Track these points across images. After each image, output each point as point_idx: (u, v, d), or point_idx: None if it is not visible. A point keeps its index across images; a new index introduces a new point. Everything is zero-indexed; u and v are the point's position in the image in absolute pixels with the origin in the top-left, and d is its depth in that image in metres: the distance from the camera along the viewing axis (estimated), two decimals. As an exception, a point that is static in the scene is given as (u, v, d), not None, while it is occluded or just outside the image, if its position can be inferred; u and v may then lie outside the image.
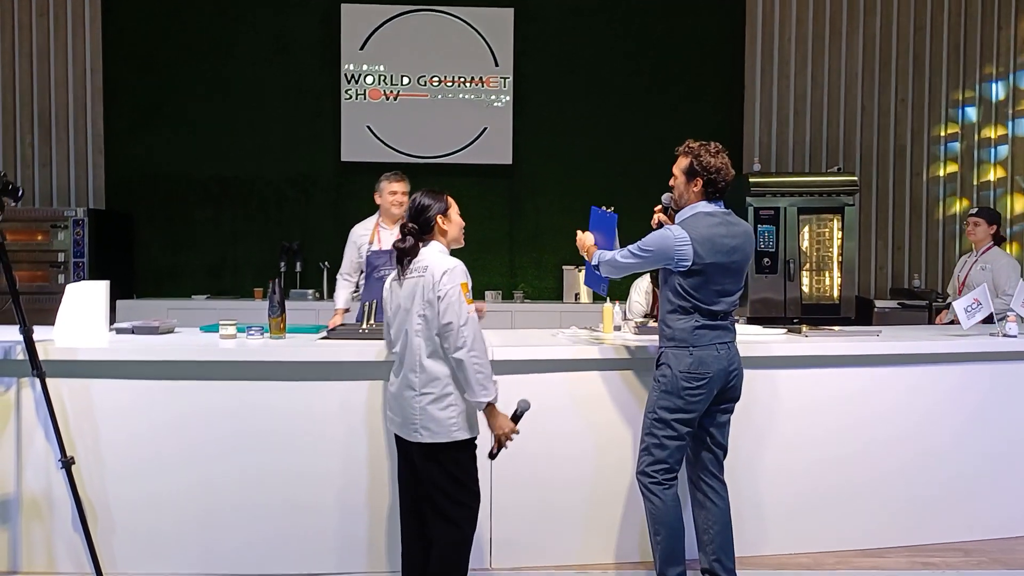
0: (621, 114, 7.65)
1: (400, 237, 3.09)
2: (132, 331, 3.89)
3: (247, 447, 3.51)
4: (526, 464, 3.63)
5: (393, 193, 4.75)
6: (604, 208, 3.70)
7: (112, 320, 3.94)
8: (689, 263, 3.16)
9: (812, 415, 3.85)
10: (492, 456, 3.07)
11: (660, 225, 3.52)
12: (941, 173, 7.80)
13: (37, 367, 3.29)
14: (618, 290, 5.84)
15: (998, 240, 5.37)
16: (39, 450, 3.46)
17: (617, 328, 4.27)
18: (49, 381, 3.33)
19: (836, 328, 4.55)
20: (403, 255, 3.09)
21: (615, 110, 7.65)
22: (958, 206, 7.81)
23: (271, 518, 3.53)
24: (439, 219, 3.10)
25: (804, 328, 4.38)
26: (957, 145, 7.78)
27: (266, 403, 3.50)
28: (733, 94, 7.75)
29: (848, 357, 3.88)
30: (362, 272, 4.79)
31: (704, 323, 3.21)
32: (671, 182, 3.40)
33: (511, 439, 3.03)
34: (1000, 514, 4.06)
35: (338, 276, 4.99)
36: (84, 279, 6.46)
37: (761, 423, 3.79)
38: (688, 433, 3.25)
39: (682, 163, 3.33)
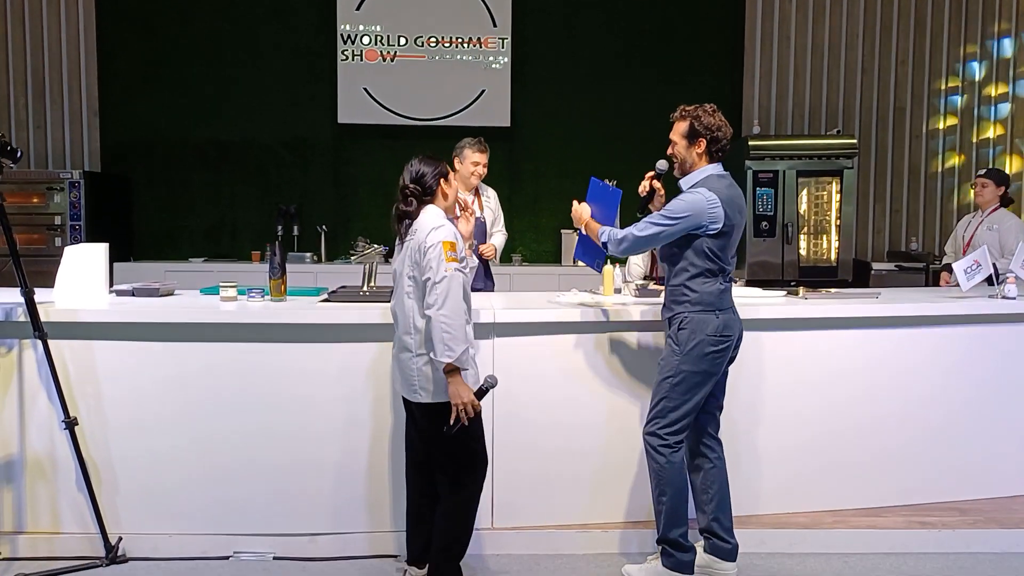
0: (621, 77, 7.59)
1: (402, 200, 3.09)
2: (132, 293, 3.88)
3: (249, 408, 3.52)
4: (526, 426, 3.65)
5: (476, 164, 4.66)
6: (606, 181, 3.57)
7: (111, 283, 3.93)
8: (720, 225, 3.15)
9: (811, 377, 3.87)
10: (449, 430, 2.94)
11: (652, 192, 3.47)
12: (940, 126, 7.75)
13: (39, 329, 3.29)
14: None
15: (1006, 201, 5.33)
16: (42, 411, 3.47)
17: (618, 291, 4.28)
18: (51, 343, 3.33)
19: (834, 290, 4.56)
20: (403, 218, 3.09)
21: (615, 73, 7.58)
22: (956, 161, 7.78)
23: (273, 478, 3.56)
24: (442, 182, 3.10)
25: (802, 290, 4.38)
26: (958, 99, 7.72)
27: (267, 365, 3.51)
28: (733, 57, 7.68)
29: (847, 319, 3.89)
30: None
31: (726, 285, 3.24)
32: (669, 149, 3.35)
33: (470, 413, 2.92)
34: (997, 474, 4.10)
35: None
36: (81, 242, 6.42)
37: (760, 385, 3.82)
38: (704, 395, 3.26)
39: (681, 127, 3.29)
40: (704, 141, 3.25)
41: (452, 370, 2.90)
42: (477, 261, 4.15)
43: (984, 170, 5.57)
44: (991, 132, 7.78)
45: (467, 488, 3.07)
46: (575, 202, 3.56)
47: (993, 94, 7.73)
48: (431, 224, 3.00)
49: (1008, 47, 7.67)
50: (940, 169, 7.78)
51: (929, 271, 6.91)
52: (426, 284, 2.93)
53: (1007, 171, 7.69)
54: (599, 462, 3.73)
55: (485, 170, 4.71)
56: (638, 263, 5.30)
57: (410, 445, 3.22)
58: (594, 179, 3.61)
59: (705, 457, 3.37)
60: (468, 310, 3.07)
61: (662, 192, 3.48)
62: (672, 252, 3.27)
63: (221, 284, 3.80)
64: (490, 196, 4.93)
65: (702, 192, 3.16)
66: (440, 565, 3.07)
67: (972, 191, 5.56)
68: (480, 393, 2.98)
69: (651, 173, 3.49)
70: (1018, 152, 7.79)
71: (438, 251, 2.92)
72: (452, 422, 2.93)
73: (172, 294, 4.00)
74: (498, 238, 4.93)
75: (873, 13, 7.62)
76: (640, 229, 3.22)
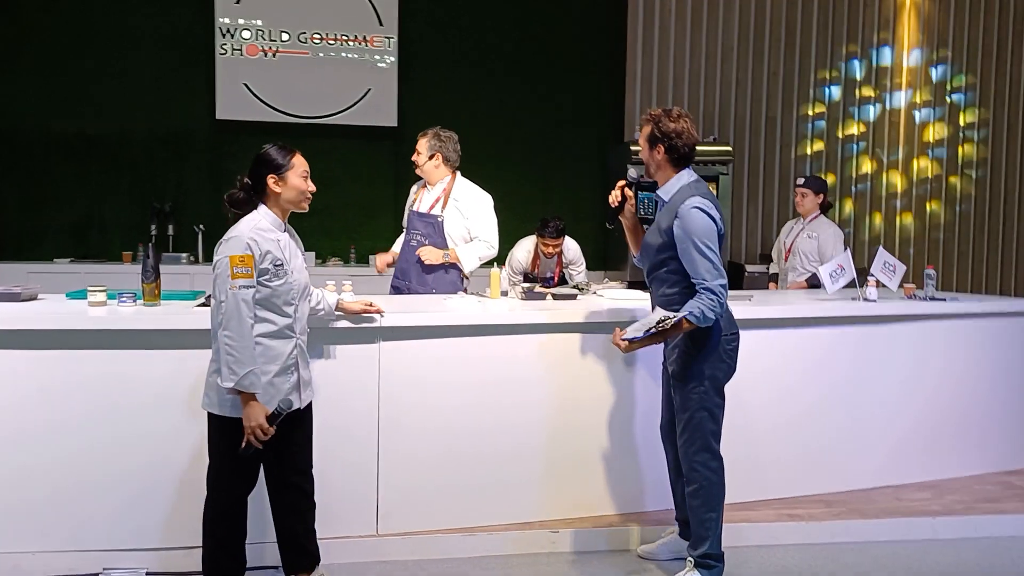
0: (507, 80, 7.64)
1: (235, 188, 2.95)
2: (-10, 297, 3.64)
3: (120, 419, 3.34)
4: (412, 431, 3.62)
5: (414, 152, 4.56)
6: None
7: (-34, 285, 3.67)
8: (722, 229, 3.17)
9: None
10: (242, 453, 2.82)
11: (623, 200, 3.33)
12: (808, 151, 8.16)
13: None
14: (504, 256, 5.90)
15: (825, 208, 5.54)
16: None
17: (504, 293, 4.31)
18: None
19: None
20: (231, 205, 2.93)
21: (501, 76, 7.63)
22: (830, 181, 8.20)
23: (146, 491, 3.39)
24: (269, 180, 2.92)
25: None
26: (823, 124, 8.16)
27: (141, 373, 3.35)
28: (615, 63, 7.85)
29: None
30: None
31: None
32: (640, 154, 3.33)
33: (260, 436, 2.79)
34: (860, 467, 4.34)
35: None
36: (-69, 241, 5.99)
37: (630, 384, 3.91)
38: None
39: (644, 131, 3.25)
40: (662, 147, 3.19)
41: (242, 393, 2.78)
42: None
43: (802, 179, 5.71)
44: (854, 150, 8.24)
45: (215, 503, 2.96)
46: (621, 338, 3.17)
47: (855, 114, 8.21)
48: (233, 231, 2.84)
49: (857, 68, 8.15)
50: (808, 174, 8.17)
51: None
52: (213, 300, 2.80)
53: (868, 186, 8.18)
54: (484, 465, 3.73)
55: (424, 157, 4.53)
56: (520, 259, 5.33)
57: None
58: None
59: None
60: (295, 325, 2.94)
61: (632, 201, 3.37)
62: (666, 261, 3.20)
63: (89, 288, 3.58)
64: (461, 197, 4.55)
65: (700, 204, 3.09)
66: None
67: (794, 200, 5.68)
68: (273, 417, 2.84)
69: (622, 182, 3.37)
70: (878, 160, 8.28)
71: (224, 267, 2.76)
72: (244, 445, 2.80)
73: (35, 298, 3.76)
74: (474, 246, 4.51)
75: (747, 27, 7.93)
76: (712, 276, 3.05)
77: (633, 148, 6.89)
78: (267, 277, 2.84)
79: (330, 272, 6.50)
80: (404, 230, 4.68)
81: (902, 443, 4.42)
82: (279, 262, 2.87)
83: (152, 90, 7.09)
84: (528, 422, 3.77)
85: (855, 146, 8.25)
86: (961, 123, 8.39)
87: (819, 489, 4.25)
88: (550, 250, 5.42)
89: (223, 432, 2.88)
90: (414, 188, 4.77)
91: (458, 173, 4.66)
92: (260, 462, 2.93)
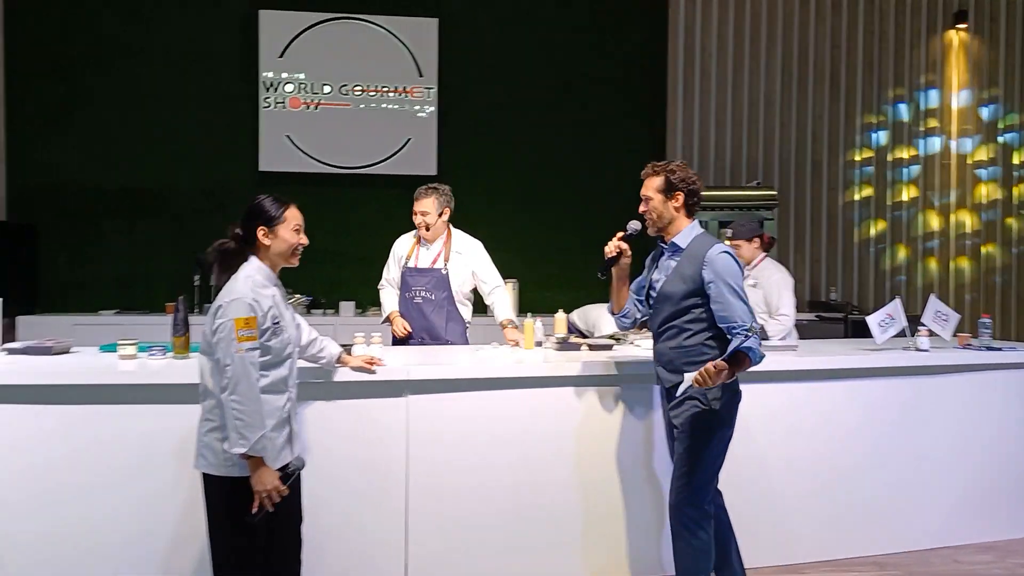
0: (546, 126, 7.63)
1: (226, 238, 2.85)
2: (24, 351, 3.65)
3: (151, 472, 3.31)
4: (442, 486, 3.52)
5: (414, 214, 4.52)
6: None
7: (13, 338, 3.69)
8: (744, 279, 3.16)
9: (731, 431, 3.84)
10: (251, 518, 2.68)
11: (619, 253, 3.29)
12: (856, 197, 7.99)
13: (-87, 392, 3.05)
14: (544, 304, 5.82)
15: (768, 247, 5.05)
16: (-84, 481, 3.21)
17: (539, 344, 4.21)
18: (-73, 407, 3.10)
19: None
20: (220, 258, 2.82)
21: (541, 122, 7.63)
22: (874, 228, 8.01)
23: (178, 544, 3.34)
24: (259, 232, 2.83)
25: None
26: (871, 169, 7.99)
27: (169, 427, 3.31)
28: (656, 108, 7.81)
29: (765, 372, 3.88)
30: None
31: None
32: (643, 207, 3.23)
33: (275, 499, 2.69)
34: (915, 527, 4.12)
35: (380, 285, 4.73)
36: (-19, 293, 6.11)
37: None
38: None
39: (655, 182, 3.20)
40: (682, 195, 3.18)
41: (251, 457, 2.67)
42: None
43: (729, 230, 5.02)
44: (904, 195, 8.05)
45: (223, 570, 2.79)
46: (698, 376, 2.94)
47: (905, 156, 8.03)
48: (233, 291, 2.72)
49: (907, 110, 7.99)
50: (858, 239, 7.99)
51: (848, 321, 7.03)
52: (217, 363, 2.69)
53: (923, 229, 7.96)
54: (516, 523, 3.61)
55: (431, 217, 4.50)
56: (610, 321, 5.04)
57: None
58: None
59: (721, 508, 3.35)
60: (288, 378, 2.84)
61: (629, 254, 3.31)
62: (690, 309, 3.14)
63: (119, 341, 3.59)
64: (463, 249, 4.58)
65: (728, 250, 3.10)
66: None
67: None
68: (286, 477, 2.76)
69: (620, 234, 3.32)
70: (931, 206, 8.06)
71: (228, 330, 2.64)
72: (255, 510, 2.68)
73: (68, 352, 3.78)
74: (503, 296, 4.56)
75: (790, 69, 7.85)
76: (748, 319, 3.01)
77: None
78: (266, 336, 2.76)
79: (368, 322, 6.47)
80: (398, 287, 4.60)
81: (960, 501, 4.19)
82: (277, 319, 2.80)
83: (197, 144, 7.22)
84: (561, 478, 3.64)
85: (905, 190, 8.05)
86: (1014, 162, 8.15)
87: (872, 550, 4.04)
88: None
89: (224, 493, 2.75)
90: (404, 242, 4.69)
91: (450, 224, 4.66)
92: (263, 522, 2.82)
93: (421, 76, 7.39)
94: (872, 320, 4.27)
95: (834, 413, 3.98)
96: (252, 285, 2.77)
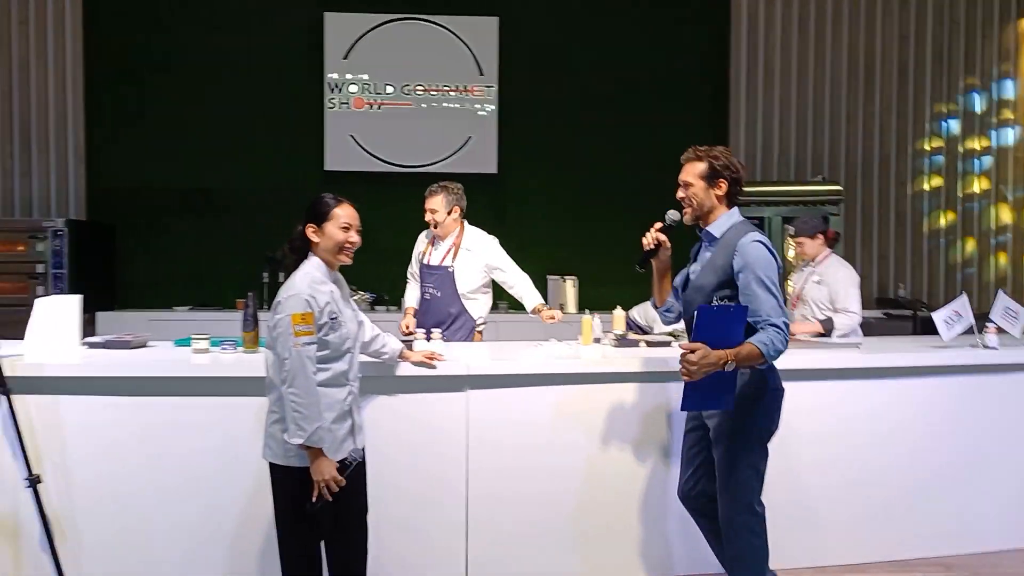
0: (607, 122, 7.62)
1: (293, 236, 2.99)
2: (104, 345, 3.83)
3: (218, 462, 3.45)
4: (501, 480, 3.58)
5: (425, 211, 4.65)
6: (719, 303, 2.99)
7: (92, 332, 3.88)
8: (781, 267, 3.01)
9: (790, 428, 3.78)
10: (310, 508, 2.81)
11: (658, 245, 3.21)
12: (926, 187, 7.80)
13: (3, 384, 3.23)
14: (603, 300, 5.84)
15: (832, 243, 4.96)
16: (5, 468, 3.39)
17: (596, 340, 4.24)
18: (17, 397, 3.28)
19: (816, 340, 4.52)
20: (286, 255, 2.98)
21: (601, 118, 7.62)
22: (943, 220, 7.81)
23: (239, 531, 3.48)
24: (309, 229, 2.95)
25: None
26: (941, 158, 7.79)
27: (239, 418, 3.44)
28: (718, 102, 7.74)
29: (828, 371, 3.85)
30: None
31: None
32: (681, 192, 3.12)
33: (333, 489, 2.79)
34: (982, 528, 4.03)
35: (407, 279, 4.97)
36: (64, 290, 6.39)
37: (740, 437, 3.75)
38: None
39: (698, 168, 3.08)
40: (725, 182, 3.06)
41: (311, 448, 2.78)
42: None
43: (792, 228, 4.85)
44: (976, 186, 7.83)
45: (288, 555, 2.94)
46: (688, 351, 2.77)
47: (977, 147, 7.80)
48: (291, 288, 2.85)
49: (981, 101, 7.76)
50: (927, 231, 7.80)
51: (917, 319, 6.88)
52: (277, 357, 2.81)
53: (995, 223, 7.73)
54: (578, 516, 3.65)
55: (441, 215, 4.60)
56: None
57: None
58: (705, 307, 2.87)
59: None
60: (349, 372, 2.94)
61: (668, 246, 3.24)
62: (721, 301, 2.99)
63: (193, 336, 3.76)
64: (473, 247, 4.67)
65: (761, 239, 2.95)
66: None
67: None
68: (343, 468, 2.86)
69: (659, 224, 3.22)
70: (1003, 199, 7.82)
71: (286, 325, 2.76)
72: (315, 499, 2.80)
73: (145, 346, 3.95)
74: (528, 285, 4.70)
75: (856, 60, 7.70)
76: (776, 313, 2.85)
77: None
78: (325, 331, 2.86)
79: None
80: (419, 282, 4.80)
81: (1031, 502, 4.08)
82: (334, 315, 2.89)
83: (265, 144, 7.42)
84: (620, 472, 3.67)
85: (976, 182, 7.83)
86: (1093, 155, 7.86)
87: (938, 551, 3.96)
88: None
89: (288, 482, 2.88)
90: (422, 239, 4.87)
91: (465, 222, 4.75)
92: (327, 511, 2.92)
93: (482, 75, 7.46)
94: (938, 316, 4.18)
95: (898, 413, 3.91)
96: (310, 281, 2.88)
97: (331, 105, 7.39)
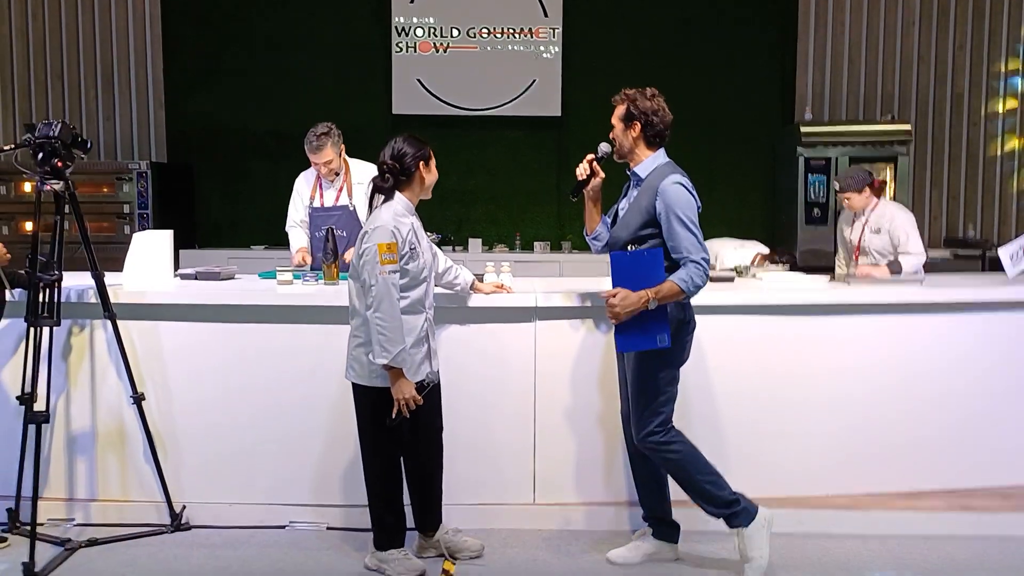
0: (671, 65, 7.57)
1: (379, 175, 3.15)
2: (195, 277, 4.08)
3: (303, 385, 3.71)
4: (566, 407, 3.77)
5: (315, 165, 4.51)
6: (631, 248, 3.17)
7: (176, 267, 4.14)
8: (700, 207, 3.16)
9: (853, 361, 3.89)
10: (390, 423, 3.09)
11: (590, 175, 3.34)
12: (1000, 109, 7.59)
13: (108, 309, 3.51)
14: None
15: (879, 192, 4.87)
16: (112, 387, 3.70)
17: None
18: (119, 323, 3.56)
19: (879, 275, 4.56)
20: (377, 192, 3.16)
21: (665, 61, 7.58)
22: (1017, 144, 7.60)
23: (326, 451, 3.74)
24: (421, 166, 3.19)
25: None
26: (1018, 80, 7.54)
27: (320, 344, 3.67)
28: (786, 42, 7.63)
29: (890, 305, 3.90)
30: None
31: None
32: (611, 134, 3.30)
33: (411, 406, 3.05)
34: (1042, 460, 4.07)
35: (287, 227, 4.80)
36: (148, 229, 6.70)
37: (803, 369, 3.85)
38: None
39: (619, 110, 3.26)
40: (638, 124, 3.21)
41: (393, 369, 3.02)
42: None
43: (836, 184, 4.85)
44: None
45: (372, 466, 3.27)
46: (611, 295, 3.09)
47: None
48: (378, 220, 3.08)
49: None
50: (1000, 152, 7.62)
51: (986, 258, 6.80)
52: (363, 284, 3.06)
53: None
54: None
55: (330, 167, 4.50)
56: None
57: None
58: (618, 254, 3.17)
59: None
60: (424, 300, 3.18)
61: (601, 175, 3.37)
62: (645, 239, 3.15)
63: (278, 268, 3.99)
64: (365, 179, 3.90)
65: (680, 180, 3.14)
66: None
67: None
68: (420, 388, 3.12)
69: (591, 156, 3.37)
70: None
71: (372, 253, 3.01)
72: (394, 415, 3.07)
73: (233, 278, 4.20)
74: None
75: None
76: (696, 250, 3.04)
77: (804, 129, 6.72)
78: (405, 260, 3.09)
79: (496, 257, 6.74)
80: (307, 231, 4.61)
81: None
82: (414, 245, 3.13)
83: (334, 90, 7.59)
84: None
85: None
86: None
87: (995, 481, 4.01)
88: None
89: (370, 401, 3.17)
90: (301, 185, 4.70)
91: (347, 157, 4.61)
92: (406, 427, 3.16)
93: (546, 16, 7.48)
94: (1004, 252, 4.17)
95: (959, 344, 3.95)
96: (393, 214, 3.11)
97: (398, 49, 7.51)
